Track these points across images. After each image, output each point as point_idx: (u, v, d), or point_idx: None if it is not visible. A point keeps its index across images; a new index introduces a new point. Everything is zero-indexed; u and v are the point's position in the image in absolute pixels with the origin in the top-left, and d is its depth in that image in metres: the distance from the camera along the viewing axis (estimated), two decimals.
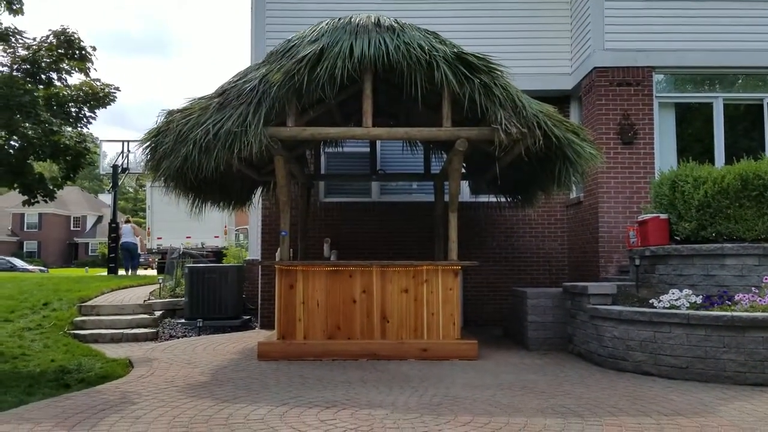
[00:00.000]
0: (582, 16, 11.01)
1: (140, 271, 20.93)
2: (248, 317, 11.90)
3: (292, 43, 8.09)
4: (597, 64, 10.45)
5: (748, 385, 6.36)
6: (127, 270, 18.98)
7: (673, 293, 7.34)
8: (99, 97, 8.33)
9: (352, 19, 8.10)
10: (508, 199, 11.19)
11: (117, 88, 8.52)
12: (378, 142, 11.56)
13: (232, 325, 11.18)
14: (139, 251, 19.80)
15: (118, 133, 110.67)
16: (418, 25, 8.26)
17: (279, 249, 8.87)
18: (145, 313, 11.05)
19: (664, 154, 10.52)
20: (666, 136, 10.63)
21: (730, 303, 6.96)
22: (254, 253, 13.00)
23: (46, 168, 9.23)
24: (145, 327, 10.53)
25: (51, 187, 8.17)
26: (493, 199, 11.50)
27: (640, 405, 5.62)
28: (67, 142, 7.80)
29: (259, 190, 11.40)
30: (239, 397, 5.96)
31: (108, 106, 8.53)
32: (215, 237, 22.52)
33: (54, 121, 7.59)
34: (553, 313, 8.95)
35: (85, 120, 8.36)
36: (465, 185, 11.68)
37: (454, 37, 8.45)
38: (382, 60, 7.69)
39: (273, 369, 7.40)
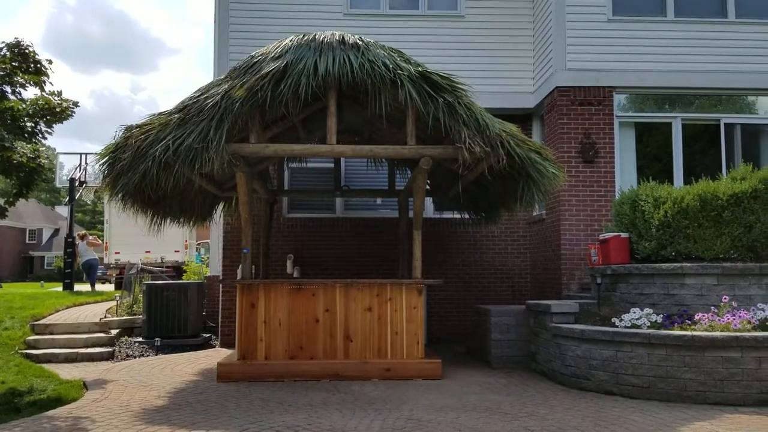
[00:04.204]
0: (544, 36, 11.15)
1: (97, 286, 20.41)
2: (209, 335, 11.67)
3: (256, 59, 8.00)
4: (559, 84, 10.57)
5: (708, 404, 6.43)
6: (92, 285, 18.55)
7: (635, 312, 7.40)
8: (56, 112, 8.07)
9: (317, 36, 8.05)
10: (472, 216, 11.21)
11: (75, 104, 8.27)
12: (342, 158, 11.50)
13: (192, 343, 10.94)
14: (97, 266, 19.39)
15: (75, 144, 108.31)
16: (383, 43, 8.24)
17: (240, 266, 8.71)
18: (101, 332, 10.74)
19: (625, 173, 10.67)
20: (626, 155, 10.79)
21: (690, 322, 7.04)
22: (215, 269, 12.78)
23: (1, 180, 8.92)
24: (101, 346, 10.24)
25: (2, 204, 7.88)
26: (457, 215, 11.53)
27: (602, 426, 5.63)
28: (20, 159, 7.55)
29: (220, 206, 11.22)
30: (197, 422, 5.80)
31: (65, 122, 8.29)
32: (175, 251, 22.15)
33: (6, 136, 7.34)
34: (516, 331, 8.95)
35: (40, 135, 8.10)
36: (429, 201, 11.68)
37: (417, 55, 8.46)
38: (347, 77, 7.64)
39: (233, 391, 7.23)
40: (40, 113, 7.83)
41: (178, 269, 20.68)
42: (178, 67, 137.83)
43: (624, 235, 8.55)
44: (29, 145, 7.79)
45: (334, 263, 11.66)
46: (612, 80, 10.63)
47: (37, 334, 10.47)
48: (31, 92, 8.38)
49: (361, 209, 12.24)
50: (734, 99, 11.05)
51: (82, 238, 18.63)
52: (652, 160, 10.94)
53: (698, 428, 5.55)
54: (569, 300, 8.98)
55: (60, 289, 18.34)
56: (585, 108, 10.58)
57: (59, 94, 8.02)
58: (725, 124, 10.88)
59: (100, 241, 19.42)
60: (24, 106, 7.79)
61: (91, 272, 18.32)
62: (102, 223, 26.94)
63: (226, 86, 7.74)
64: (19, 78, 7.73)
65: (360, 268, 11.51)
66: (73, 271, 17.95)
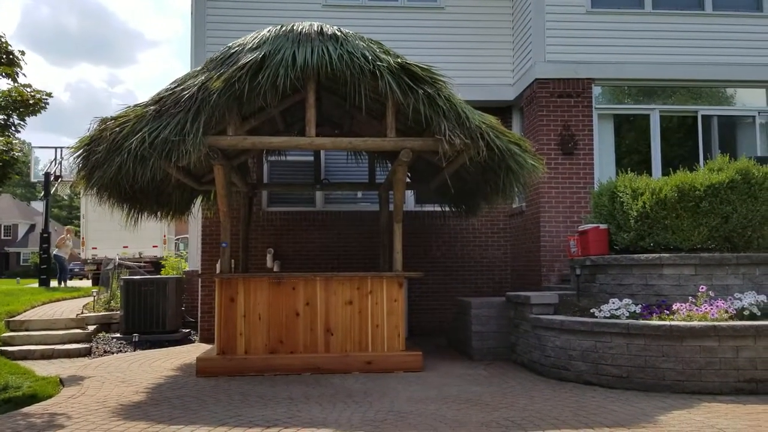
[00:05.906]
0: (524, 28, 11.15)
1: (75, 282, 20.21)
2: (188, 330, 11.56)
3: (233, 50, 7.89)
4: (538, 76, 10.58)
5: (686, 393, 6.48)
6: (59, 282, 18.36)
7: (614, 303, 7.44)
8: (29, 104, 7.91)
9: (295, 27, 7.95)
10: (453, 209, 11.21)
11: (49, 95, 8.11)
12: (322, 151, 11.43)
13: (171, 339, 10.84)
14: (66, 264, 19.21)
15: (51, 139, 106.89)
16: (362, 34, 8.18)
17: (219, 260, 8.63)
18: (78, 328, 10.61)
19: (604, 165, 10.73)
20: (605, 147, 10.84)
21: (668, 312, 7.08)
22: (194, 263, 12.66)
23: None
24: (78, 342, 10.11)
25: None
26: (437, 208, 11.52)
27: (582, 416, 5.64)
28: None
29: (198, 200, 11.10)
30: (175, 417, 5.73)
31: (39, 114, 8.12)
32: (153, 246, 21.92)
33: None
34: (496, 322, 8.97)
35: (13, 128, 7.94)
36: (410, 194, 11.66)
37: (397, 48, 8.40)
38: (326, 69, 7.57)
39: (212, 386, 7.16)
40: (13, 105, 7.67)
41: (156, 264, 20.48)
42: (157, 59, 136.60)
43: (603, 226, 8.59)
44: (1, 138, 7.62)
45: (315, 257, 11.61)
46: (591, 72, 10.67)
47: (12, 330, 10.30)
48: (3, 84, 8.20)
49: (342, 203, 12.19)
50: (711, 91, 11.14)
51: (68, 232, 18.55)
52: (631, 152, 11.01)
53: (676, 416, 5.59)
54: (549, 291, 9.01)
55: (36, 285, 18.11)
56: (564, 100, 10.61)
57: (29, 86, 7.86)
58: (702, 115, 10.98)
59: (66, 245, 19.05)
60: None
61: (59, 269, 18.22)
62: (79, 218, 26.56)
63: (203, 78, 7.63)
64: None
65: (341, 262, 11.47)
66: (49, 267, 17.73)
